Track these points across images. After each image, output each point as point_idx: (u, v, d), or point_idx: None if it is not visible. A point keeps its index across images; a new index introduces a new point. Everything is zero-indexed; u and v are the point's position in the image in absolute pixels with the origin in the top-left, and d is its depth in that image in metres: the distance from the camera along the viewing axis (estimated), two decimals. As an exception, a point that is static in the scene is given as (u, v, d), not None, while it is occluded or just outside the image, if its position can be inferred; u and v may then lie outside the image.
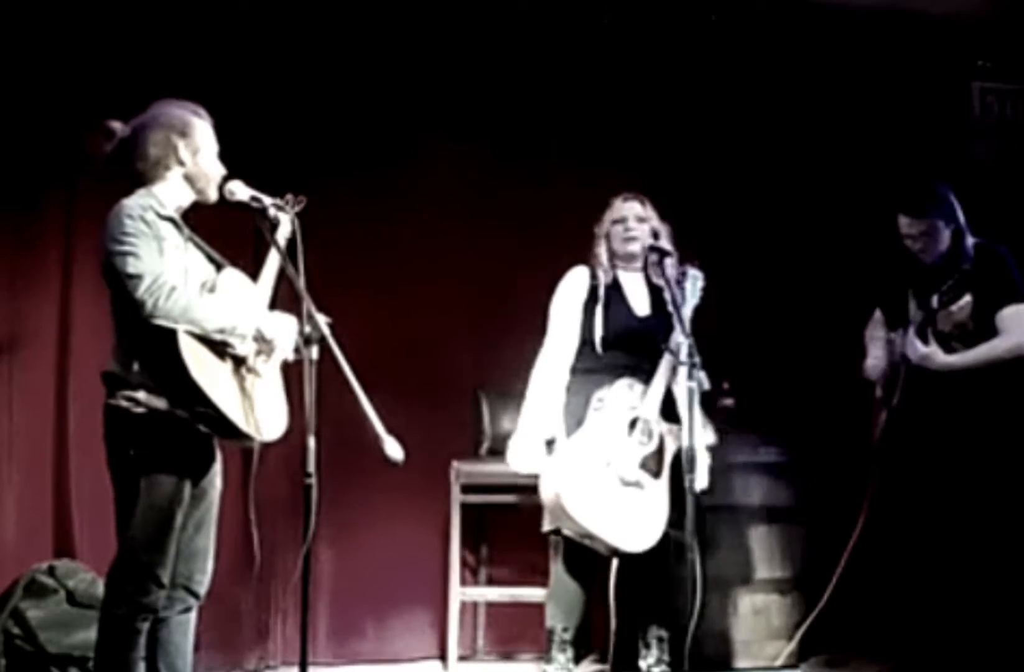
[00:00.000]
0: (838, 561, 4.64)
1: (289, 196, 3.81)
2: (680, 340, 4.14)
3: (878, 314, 4.70)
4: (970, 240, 4.41)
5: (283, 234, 3.70)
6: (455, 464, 4.93)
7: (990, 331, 4.30)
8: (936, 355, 4.29)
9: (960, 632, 4.36)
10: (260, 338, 3.49)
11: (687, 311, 4.28)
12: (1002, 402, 4.30)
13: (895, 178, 4.86)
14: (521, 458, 4.43)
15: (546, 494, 4.29)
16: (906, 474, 4.44)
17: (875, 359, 4.59)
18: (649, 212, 4.52)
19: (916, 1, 5.22)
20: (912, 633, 4.48)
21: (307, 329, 3.45)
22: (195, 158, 3.57)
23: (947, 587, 4.32)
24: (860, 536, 4.58)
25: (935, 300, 4.23)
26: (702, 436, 4.21)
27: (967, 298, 4.16)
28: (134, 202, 3.48)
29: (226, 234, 3.81)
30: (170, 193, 3.57)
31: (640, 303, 4.53)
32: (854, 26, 5.30)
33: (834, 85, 5.38)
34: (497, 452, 5.07)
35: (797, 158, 5.37)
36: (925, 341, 4.31)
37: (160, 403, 3.39)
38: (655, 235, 4.49)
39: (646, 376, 4.37)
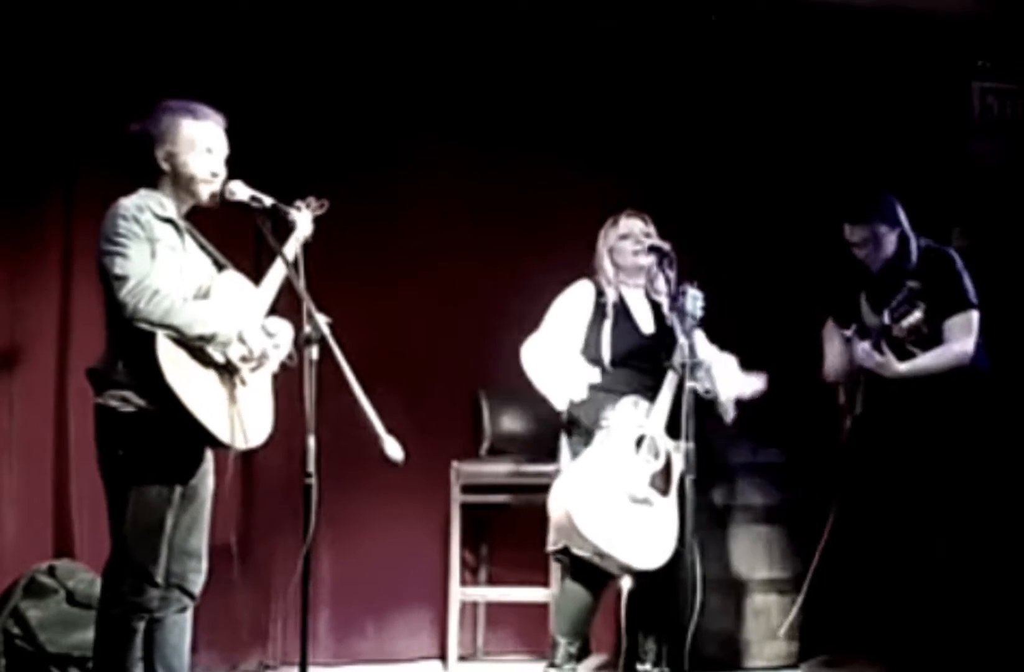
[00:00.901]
0: (831, 562, 4.66)
1: (311, 199, 3.82)
2: (681, 342, 4.15)
3: (830, 321, 4.75)
4: (915, 243, 4.48)
5: (300, 235, 3.71)
6: (455, 464, 4.93)
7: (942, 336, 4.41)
8: (890, 364, 4.36)
9: (958, 632, 4.38)
10: (244, 347, 3.47)
11: (689, 324, 4.27)
12: (955, 405, 4.38)
13: (839, 187, 4.89)
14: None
15: (557, 514, 4.27)
16: (871, 479, 4.51)
17: (832, 359, 4.65)
18: (651, 230, 4.52)
19: (916, 1, 5.22)
20: (911, 633, 4.49)
21: (307, 329, 3.44)
22: (175, 160, 3.54)
23: (922, 587, 4.39)
24: (834, 539, 4.62)
25: (887, 315, 4.31)
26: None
27: (917, 314, 4.24)
28: (131, 202, 3.47)
29: (229, 235, 3.81)
30: (170, 194, 3.56)
31: (645, 321, 4.53)
32: (854, 26, 5.30)
33: (834, 85, 5.38)
34: (497, 452, 5.09)
35: (796, 158, 5.36)
36: (880, 351, 4.36)
37: (145, 403, 3.39)
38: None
39: (652, 393, 4.37)
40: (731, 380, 4.46)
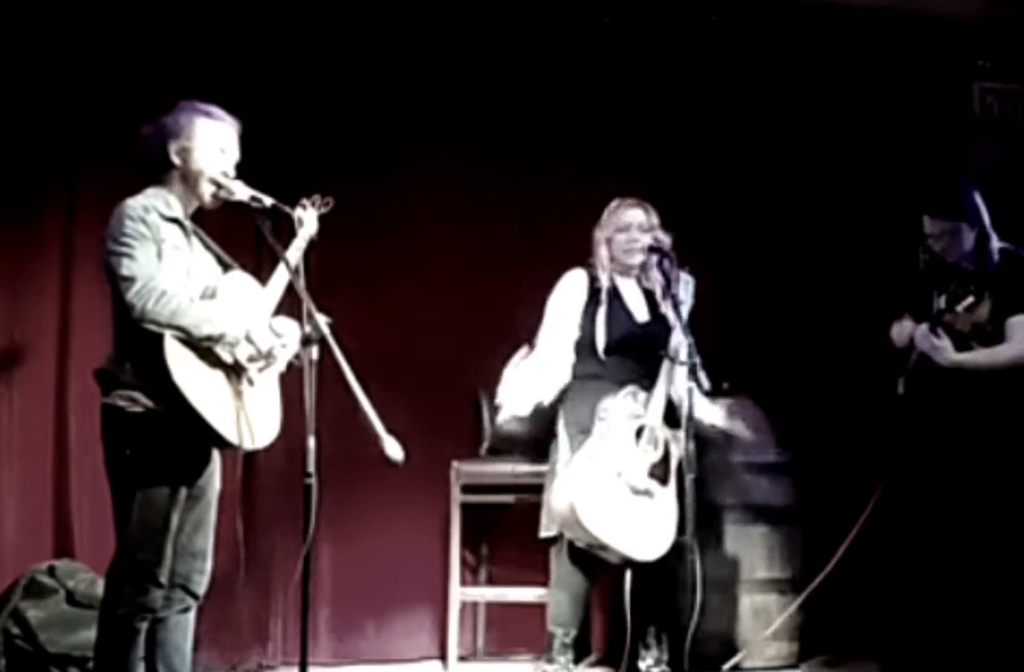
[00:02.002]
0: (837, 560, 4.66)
1: (316, 197, 3.82)
2: (680, 340, 4.15)
3: (906, 315, 4.63)
4: (995, 243, 4.40)
5: (306, 234, 3.71)
6: (455, 464, 4.93)
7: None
8: (945, 350, 4.30)
9: (960, 632, 4.37)
10: (252, 347, 3.48)
11: (684, 312, 4.28)
12: (1005, 405, 4.30)
13: (920, 178, 4.82)
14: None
15: (560, 505, 4.28)
16: (912, 472, 4.44)
17: (900, 329, 4.54)
18: (653, 220, 4.51)
19: (916, 1, 5.22)
20: (911, 633, 4.48)
21: (307, 329, 3.44)
22: (188, 156, 3.55)
23: (952, 586, 4.31)
24: (862, 533, 4.58)
25: (943, 300, 4.27)
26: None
27: (970, 299, 4.19)
28: (137, 202, 3.47)
29: (230, 234, 3.81)
30: (177, 194, 3.56)
31: (639, 309, 4.54)
32: (854, 26, 5.30)
33: (835, 85, 5.37)
34: (497, 452, 5.08)
35: (797, 158, 5.36)
36: (937, 335, 4.30)
37: (153, 403, 3.39)
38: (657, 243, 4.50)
39: (648, 382, 4.38)
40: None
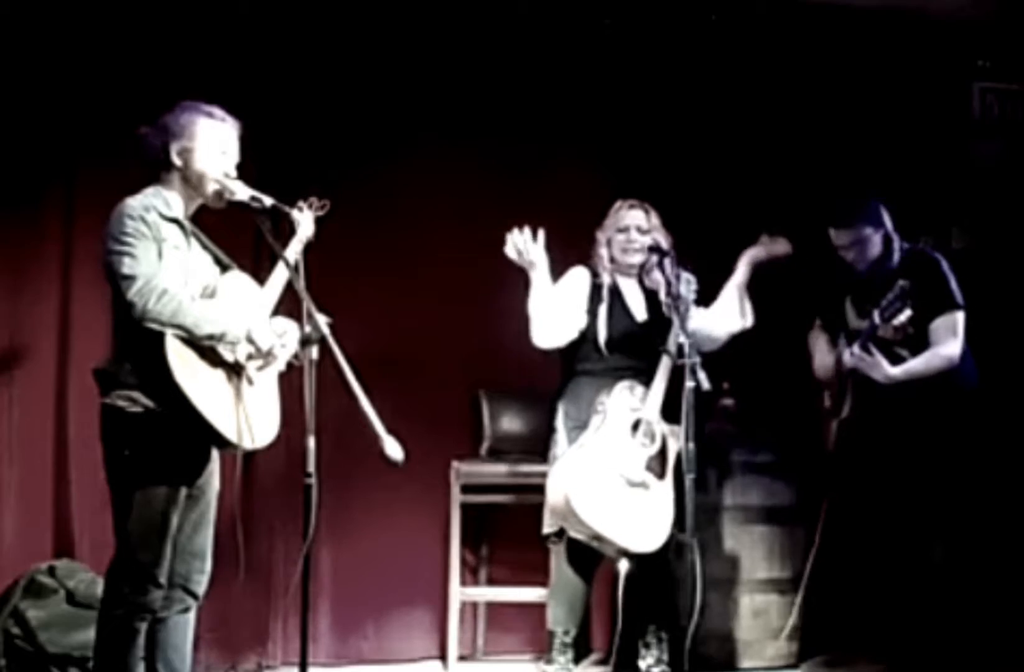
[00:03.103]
0: (829, 563, 4.66)
1: (313, 199, 3.82)
2: (680, 340, 4.16)
3: (818, 322, 4.81)
4: (899, 244, 4.52)
5: (303, 236, 3.71)
6: (455, 464, 4.93)
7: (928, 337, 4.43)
8: (881, 366, 4.38)
9: (957, 632, 4.39)
10: (252, 346, 3.48)
11: (684, 312, 4.29)
12: (942, 411, 4.41)
13: (824, 194, 4.94)
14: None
15: (555, 497, 4.29)
16: (860, 483, 4.55)
17: (821, 357, 4.70)
18: (653, 222, 4.54)
19: (916, 1, 5.22)
20: (911, 633, 4.49)
21: (307, 329, 3.44)
22: (189, 156, 3.55)
23: (915, 589, 4.43)
24: (828, 541, 4.66)
25: (876, 315, 4.33)
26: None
27: (908, 312, 4.27)
28: (138, 202, 3.48)
29: (228, 234, 3.81)
30: (176, 194, 3.57)
31: (639, 308, 4.56)
32: (854, 26, 5.30)
33: (834, 85, 5.37)
34: (497, 452, 5.08)
35: (796, 157, 5.36)
36: (869, 353, 4.39)
37: (153, 403, 3.39)
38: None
39: (646, 378, 4.39)
40: (725, 317, 4.53)
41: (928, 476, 4.38)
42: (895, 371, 4.37)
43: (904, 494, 4.40)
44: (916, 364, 4.41)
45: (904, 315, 4.26)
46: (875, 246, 4.51)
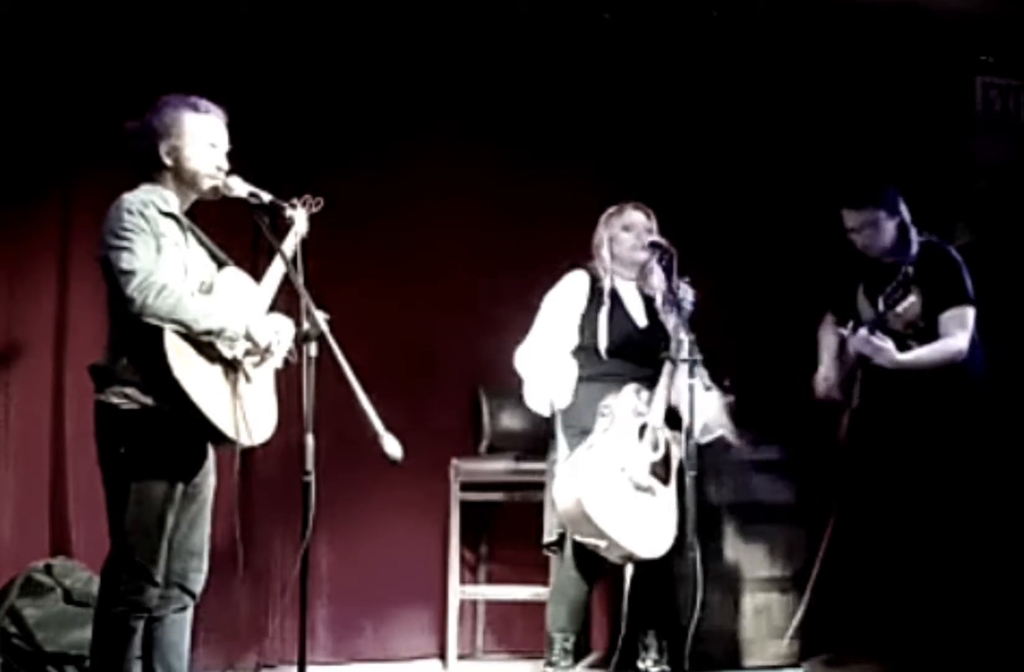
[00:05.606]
0: (834, 562, 4.65)
1: (307, 196, 3.81)
2: (681, 338, 4.14)
3: (829, 316, 4.74)
4: (916, 236, 4.47)
5: (297, 232, 3.70)
6: (454, 462, 4.92)
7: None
8: (888, 350, 4.33)
9: (959, 631, 4.37)
10: (250, 342, 3.46)
11: (685, 318, 4.26)
12: (952, 402, 4.38)
13: (838, 174, 4.89)
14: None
15: (565, 500, 4.24)
16: (872, 476, 4.50)
17: (825, 371, 4.63)
18: (652, 224, 4.52)
19: (918, -4, 5.22)
20: (911, 633, 4.48)
21: (306, 326, 3.42)
22: (178, 155, 3.52)
23: (922, 586, 4.40)
24: (837, 537, 4.63)
25: (881, 302, 4.30)
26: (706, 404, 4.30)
27: (911, 299, 4.24)
28: (135, 197, 3.46)
29: (225, 231, 3.79)
30: (172, 189, 3.55)
31: (638, 314, 4.54)
32: (857, 22, 5.29)
33: (837, 80, 5.37)
34: (496, 450, 5.07)
35: (799, 153, 5.35)
36: (879, 338, 4.35)
37: (149, 400, 3.37)
38: None
39: (649, 383, 4.38)
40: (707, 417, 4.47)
41: (940, 469, 4.33)
42: (904, 357, 4.33)
43: (917, 488, 4.36)
44: (923, 352, 4.37)
45: (908, 302, 4.22)
46: (887, 233, 4.44)
